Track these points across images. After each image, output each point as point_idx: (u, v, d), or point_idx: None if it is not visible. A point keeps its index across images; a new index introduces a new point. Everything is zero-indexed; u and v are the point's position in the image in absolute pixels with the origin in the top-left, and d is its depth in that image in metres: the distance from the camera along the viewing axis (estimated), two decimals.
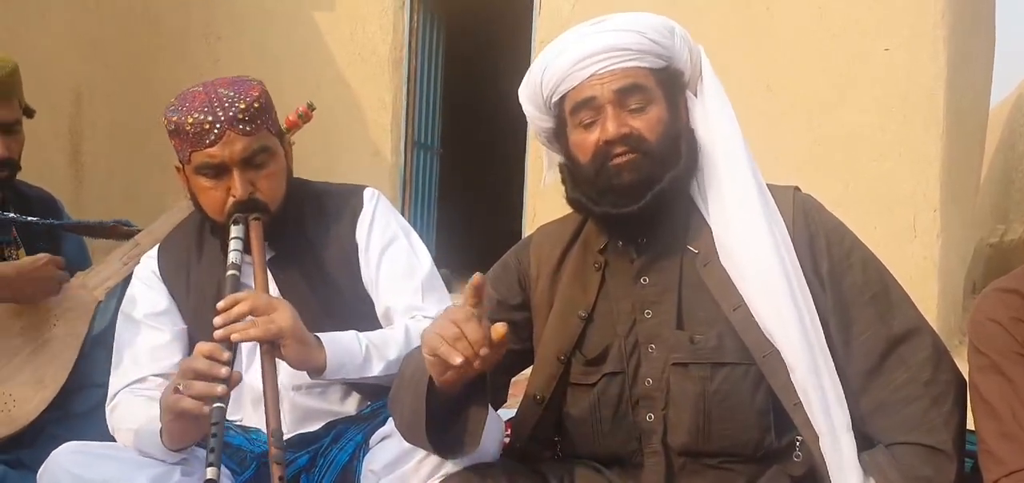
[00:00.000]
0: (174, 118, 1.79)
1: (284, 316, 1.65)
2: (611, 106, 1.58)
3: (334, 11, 5.79)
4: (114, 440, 1.81)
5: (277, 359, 1.65)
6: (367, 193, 1.98)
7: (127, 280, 2.23)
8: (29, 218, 2.26)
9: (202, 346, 1.60)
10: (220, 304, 1.65)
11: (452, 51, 6.53)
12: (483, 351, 1.34)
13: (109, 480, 1.63)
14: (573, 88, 1.60)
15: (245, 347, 1.79)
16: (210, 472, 1.46)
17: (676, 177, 1.58)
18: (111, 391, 1.88)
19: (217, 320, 1.63)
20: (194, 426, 1.60)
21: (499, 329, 1.34)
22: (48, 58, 4.92)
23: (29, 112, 2.29)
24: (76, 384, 2.17)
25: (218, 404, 1.52)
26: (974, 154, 5.77)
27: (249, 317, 1.64)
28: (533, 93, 1.68)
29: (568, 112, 1.63)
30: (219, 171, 1.79)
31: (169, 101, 1.84)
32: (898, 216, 4.88)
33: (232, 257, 1.73)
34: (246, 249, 1.76)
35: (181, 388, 1.56)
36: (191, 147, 1.78)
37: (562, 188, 1.69)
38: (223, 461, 1.79)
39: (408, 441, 1.56)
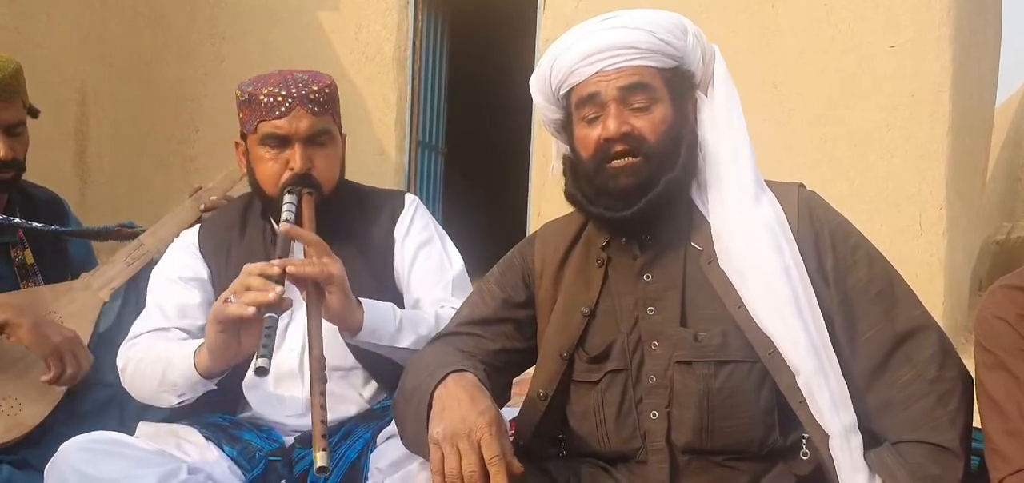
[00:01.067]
0: (249, 90, 1.89)
1: (337, 264, 1.72)
2: (614, 103, 1.57)
3: (339, 11, 5.80)
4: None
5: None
6: (408, 197, 2.09)
7: (131, 280, 2.24)
8: (34, 224, 2.25)
9: (252, 266, 1.65)
10: (283, 226, 1.75)
11: (456, 50, 6.53)
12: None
13: (116, 478, 1.63)
14: (579, 82, 1.60)
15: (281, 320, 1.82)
16: (260, 361, 1.52)
17: (672, 181, 1.57)
18: (132, 333, 1.93)
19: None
20: (235, 343, 1.65)
21: None
22: (53, 58, 4.93)
23: (34, 112, 2.29)
24: (82, 384, 2.17)
25: (270, 314, 1.58)
26: (980, 151, 5.76)
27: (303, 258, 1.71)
28: (542, 84, 1.68)
29: (574, 106, 1.63)
30: (282, 143, 1.88)
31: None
32: (904, 214, 4.87)
33: (285, 216, 1.81)
34: (297, 220, 1.83)
35: (231, 299, 1.61)
36: (260, 117, 1.88)
37: (563, 186, 1.69)
38: (233, 457, 1.82)
39: (412, 451, 1.57)
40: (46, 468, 1.70)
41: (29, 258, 2.27)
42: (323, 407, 1.54)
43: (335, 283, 1.70)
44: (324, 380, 1.58)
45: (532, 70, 1.72)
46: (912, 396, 1.49)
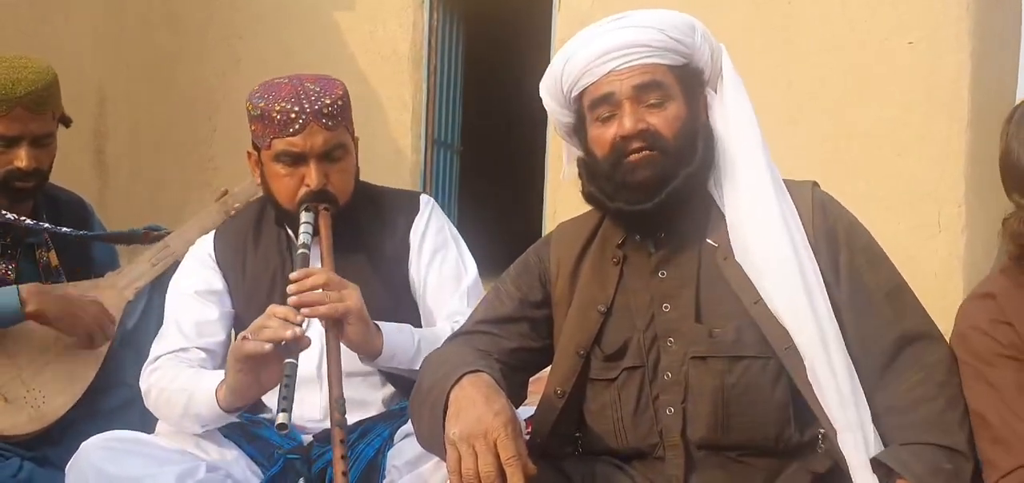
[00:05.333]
0: (261, 105, 1.87)
1: (353, 297, 1.72)
2: (629, 102, 1.58)
3: (354, 10, 5.81)
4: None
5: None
6: (423, 199, 2.07)
7: (156, 280, 2.26)
8: (62, 229, 2.27)
9: (275, 308, 1.66)
10: (294, 274, 1.72)
11: (472, 49, 6.53)
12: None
13: (136, 476, 1.65)
14: (592, 83, 1.61)
15: None
16: (281, 417, 1.53)
17: (691, 175, 1.58)
18: (153, 354, 1.93)
19: (290, 288, 1.70)
20: (255, 381, 1.66)
21: None
22: (71, 60, 4.97)
23: (66, 121, 2.30)
24: (104, 383, 2.19)
25: (290, 361, 1.59)
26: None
27: (320, 292, 1.70)
28: (553, 88, 1.68)
29: (587, 107, 1.64)
30: (297, 160, 1.87)
31: (253, 90, 1.92)
32: (922, 211, 4.84)
33: (303, 237, 1.81)
34: (314, 235, 1.83)
35: (250, 336, 1.62)
36: (274, 134, 1.86)
37: (581, 187, 1.69)
38: (252, 455, 1.83)
39: (427, 450, 1.58)
40: (67, 466, 1.72)
41: (54, 259, 2.30)
42: (343, 441, 1.57)
43: (353, 316, 1.70)
44: (343, 424, 1.60)
45: (548, 68, 1.72)
46: (921, 398, 1.49)
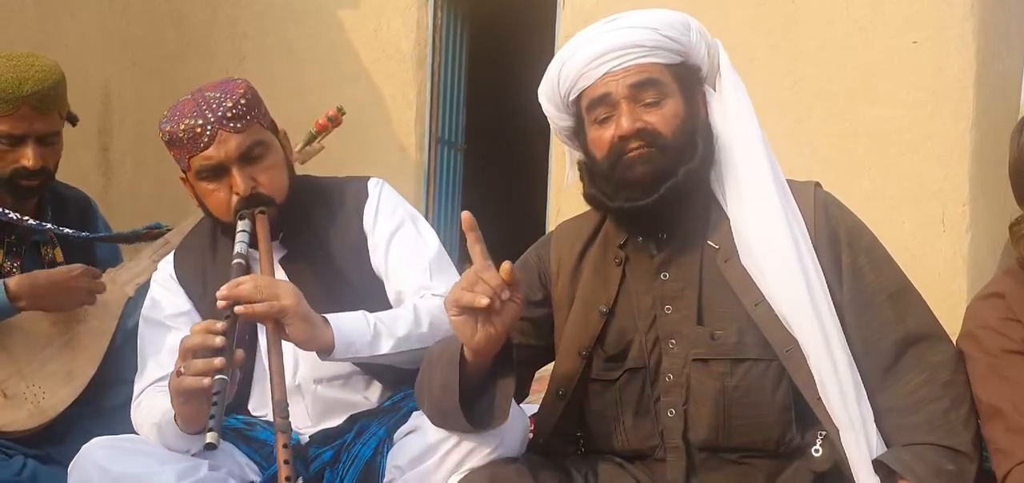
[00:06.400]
0: (167, 129, 1.84)
1: (287, 294, 1.65)
2: (625, 102, 1.58)
3: (358, 9, 5.81)
4: None
5: (285, 341, 1.67)
6: (371, 182, 2.01)
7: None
8: (65, 230, 2.27)
9: (197, 325, 1.62)
10: (220, 290, 1.65)
11: (476, 48, 6.53)
12: (504, 294, 1.39)
13: (138, 475, 1.65)
14: (589, 86, 1.62)
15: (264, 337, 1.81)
16: (210, 436, 1.46)
17: (691, 171, 1.58)
18: (136, 391, 1.91)
19: (220, 304, 1.64)
20: (203, 405, 1.60)
21: (505, 266, 1.40)
22: (77, 57, 4.98)
23: (73, 119, 2.30)
24: (105, 380, 2.20)
25: (219, 376, 1.54)
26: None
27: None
28: (551, 92, 1.69)
29: (585, 110, 1.64)
30: (218, 171, 1.82)
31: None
32: (926, 211, 4.82)
33: (238, 248, 1.76)
34: (252, 243, 1.78)
35: (182, 369, 1.58)
36: (188, 153, 1.82)
37: (582, 189, 1.69)
38: (249, 455, 1.83)
39: (437, 423, 1.57)
40: (70, 465, 1.72)
41: (59, 256, 2.30)
42: (287, 446, 1.52)
43: (289, 315, 1.64)
44: (287, 428, 1.55)
45: (545, 74, 1.72)
46: (924, 399, 1.48)
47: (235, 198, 1.82)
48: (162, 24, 5.94)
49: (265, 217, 1.81)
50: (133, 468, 1.66)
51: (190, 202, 1.99)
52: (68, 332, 2.19)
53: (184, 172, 1.89)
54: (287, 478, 1.49)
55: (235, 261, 1.73)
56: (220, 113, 1.81)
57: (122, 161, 5.68)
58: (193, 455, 1.74)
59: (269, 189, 1.85)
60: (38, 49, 2.35)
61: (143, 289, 2.28)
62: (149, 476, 1.65)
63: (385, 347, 1.74)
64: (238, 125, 1.81)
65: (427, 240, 1.97)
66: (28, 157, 2.15)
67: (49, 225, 2.25)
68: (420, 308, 1.80)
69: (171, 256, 2.04)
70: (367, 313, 1.78)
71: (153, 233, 2.40)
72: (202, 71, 5.97)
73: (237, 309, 1.62)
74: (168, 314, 1.95)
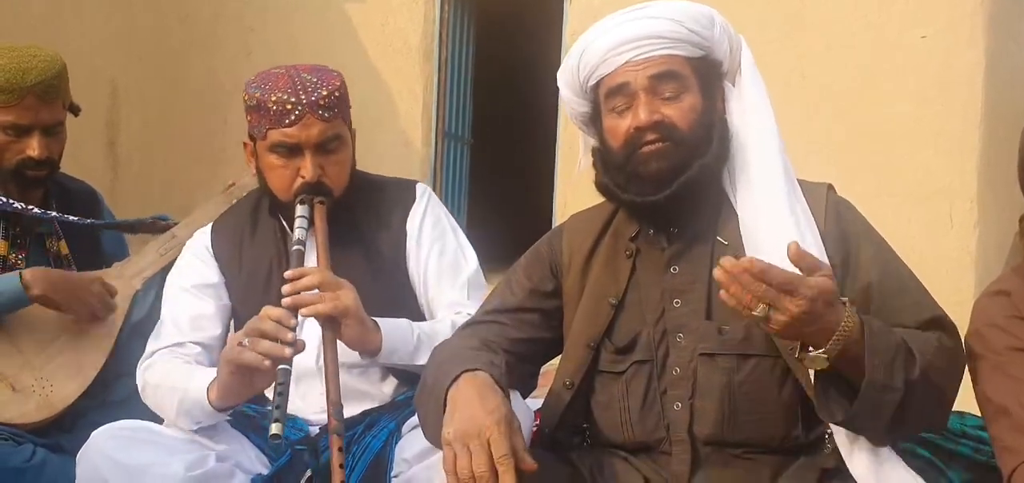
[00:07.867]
0: (257, 95, 1.86)
1: (349, 296, 1.71)
2: (644, 93, 1.58)
3: (365, 2, 5.81)
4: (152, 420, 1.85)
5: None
6: (420, 187, 2.05)
7: (164, 270, 2.27)
8: (70, 218, 2.29)
9: (269, 310, 1.65)
10: (288, 273, 1.71)
11: (483, 41, 6.53)
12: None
13: (146, 464, 1.66)
14: (608, 74, 1.61)
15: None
16: (274, 427, 1.53)
17: (705, 166, 1.58)
18: (148, 350, 1.93)
19: (285, 288, 1.69)
20: (248, 385, 1.65)
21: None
22: (84, 53, 4.99)
23: (75, 110, 2.31)
24: (113, 372, 2.20)
25: (284, 366, 1.58)
26: (1014, 143, 5.64)
27: (316, 291, 1.69)
28: (570, 77, 1.68)
29: (603, 97, 1.63)
30: (292, 151, 1.86)
31: (249, 80, 1.92)
32: (934, 207, 4.81)
33: (298, 233, 1.80)
34: (309, 228, 1.82)
35: (246, 343, 1.61)
36: (270, 124, 1.85)
37: (594, 177, 1.69)
38: (259, 445, 1.83)
39: (433, 445, 1.58)
40: (78, 455, 1.73)
41: (64, 248, 2.31)
42: (341, 450, 1.57)
43: (349, 315, 1.69)
44: (341, 432, 1.59)
45: (559, 61, 1.73)
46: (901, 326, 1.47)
47: (300, 180, 1.86)
48: (168, 20, 5.95)
49: (324, 207, 1.85)
50: (141, 458, 1.67)
51: (197, 195, 2.00)
52: (76, 326, 2.20)
53: (252, 138, 1.91)
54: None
55: (295, 247, 1.78)
56: (314, 98, 1.84)
57: (129, 156, 5.71)
58: (202, 442, 1.75)
59: (333, 181, 1.89)
60: (44, 44, 2.36)
61: (150, 283, 2.29)
62: (157, 466, 1.66)
63: (423, 359, 1.75)
64: (326, 114, 1.86)
65: (467, 257, 2.02)
66: (34, 147, 2.17)
67: (53, 213, 2.26)
68: (457, 324, 1.82)
69: (207, 229, 2.06)
70: (411, 322, 1.83)
71: (158, 224, 2.42)
72: (209, 66, 5.99)
73: (302, 311, 1.66)
74: (196, 283, 1.97)
